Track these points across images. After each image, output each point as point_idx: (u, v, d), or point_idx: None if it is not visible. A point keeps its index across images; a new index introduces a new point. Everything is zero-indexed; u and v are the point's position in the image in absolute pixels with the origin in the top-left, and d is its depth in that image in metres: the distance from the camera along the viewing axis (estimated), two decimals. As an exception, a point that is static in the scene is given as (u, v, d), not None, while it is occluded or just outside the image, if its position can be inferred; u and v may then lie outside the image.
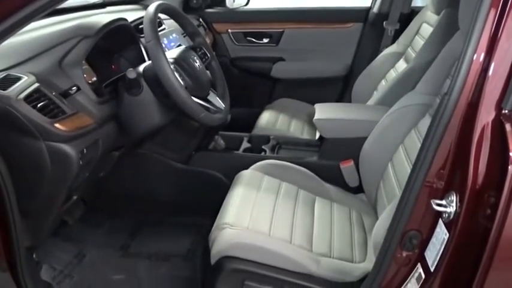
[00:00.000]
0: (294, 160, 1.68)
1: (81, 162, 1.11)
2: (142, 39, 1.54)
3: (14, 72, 1.08)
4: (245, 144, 1.87)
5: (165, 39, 1.71)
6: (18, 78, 1.06)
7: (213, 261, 1.24)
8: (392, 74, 2.08)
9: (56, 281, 1.46)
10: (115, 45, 1.43)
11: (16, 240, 1.12)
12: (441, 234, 0.88)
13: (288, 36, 2.49)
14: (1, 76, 1.05)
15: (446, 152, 0.86)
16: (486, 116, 0.80)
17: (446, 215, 0.85)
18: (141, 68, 1.30)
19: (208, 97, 1.40)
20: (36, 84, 1.06)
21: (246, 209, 1.37)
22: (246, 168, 1.62)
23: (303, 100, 2.39)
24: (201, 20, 2.47)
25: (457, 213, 0.82)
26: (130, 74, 1.20)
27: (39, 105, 1.03)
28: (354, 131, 1.61)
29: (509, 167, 0.72)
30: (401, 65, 2.03)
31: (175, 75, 1.20)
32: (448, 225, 0.85)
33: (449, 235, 0.84)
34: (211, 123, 1.32)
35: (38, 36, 1.23)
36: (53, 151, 1.06)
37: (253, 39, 2.54)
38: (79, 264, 1.58)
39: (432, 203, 0.86)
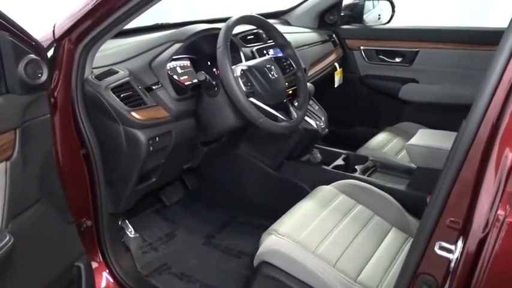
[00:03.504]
0: (378, 184, 1.57)
1: (151, 148, 1.29)
2: (243, 48, 1.67)
3: (115, 67, 1.32)
4: (339, 161, 1.82)
5: (271, 50, 1.81)
6: (116, 72, 1.30)
7: (255, 263, 1.28)
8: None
9: (142, 250, 1.69)
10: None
11: (100, 204, 1.37)
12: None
13: (423, 56, 2.30)
14: (106, 69, 1.31)
15: (460, 188, 0.73)
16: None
17: (452, 260, 0.72)
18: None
19: (281, 106, 1.44)
20: (127, 78, 1.28)
21: (304, 222, 1.36)
22: (330, 184, 1.59)
23: (430, 126, 2.17)
24: (334, 35, 2.49)
25: (457, 260, 0.69)
26: (200, 76, 1.33)
27: (122, 95, 1.24)
28: (448, 163, 1.42)
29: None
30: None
31: (237, 80, 1.28)
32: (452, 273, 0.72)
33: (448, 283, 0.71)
34: (272, 130, 1.35)
35: (141, 40, 1.48)
36: (128, 134, 1.26)
37: (385, 58, 2.43)
38: (167, 242, 1.79)
39: (436, 245, 0.74)
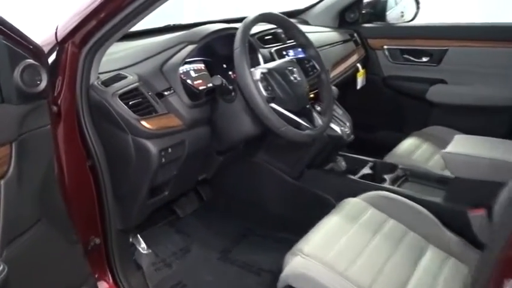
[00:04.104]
0: (411, 196, 1.43)
1: (163, 160, 1.18)
2: (261, 50, 1.55)
3: (123, 72, 1.22)
4: (366, 170, 1.69)
5: (291, 51, 1.68)
6: (124, 77, 1.19)
7: (279, 286, 1.16)
8: None
9: (155, 267, 1.58)
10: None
11: (109, 220, 1.26)
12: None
13: (452, 55, 2.15)
14: (113, 74, 1.20)
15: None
16: None
17: None
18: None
19: (304, 111, 1.31)
20: (136, 84, 1.17)
21: (332, 240, 1.23)
22: (357, 195, 1.45)
23: (461, 130, 2.01)
24: (355, 34, 2.35)
25: None
26: (216, 80, 1.21)
27: (131, 103, 1.13)
28: (491, 173, 1.27)
29: None
30: None
31: (256, 84, 1.16)
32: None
33: None
34: (295, 140, 1.22)
35: (151, 42, 1.37)
36: (137, 145, 1.15)
37: (411, 58, 2.28)
38: (181, 258, 1.68)
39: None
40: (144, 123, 1.13)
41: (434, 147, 1.91)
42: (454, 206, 1.38)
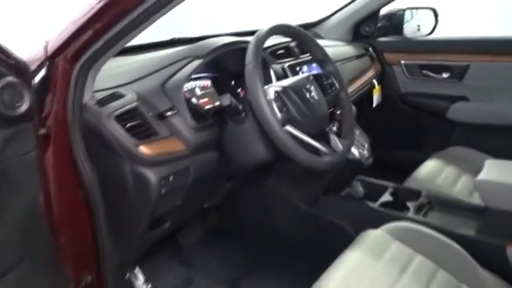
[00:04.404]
0: (440, 228, 1.28)
1: (163, 190, 1.05)
2: (273, 65, 1.42)
3: (121, 90, 1.09)
4: (386, 197, 1.54)
5: (305, 66, 1.56)
6: (122, 96, 1.07)
7: None
8: None
9: (154, 302, 1.44)
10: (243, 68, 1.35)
11: (103, 255, 1.13)
12: None
13: (475, 70, 2.01)
14: (110, 92, 1.08)
15: None
16: None
17: None
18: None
19: (323, 135, 1.17)
20: (135, 103, 1.05)
21: (355, 279, 1.10)
22: (378, 225, 1.31)
23: (486, 152, 1.87)
24: (370, 49, 2.23)
25: None
26: (225, 100, 1.09)
27: (129, 125, 1.01)
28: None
29: None
30: None
31: (270, 105, 1.03)
32: None
33: None
34: (314, 168, 1.08)
35: (154, 57, 1.25)
36: (135, 173, 1.02)
37: (430, 73, 2.14)
38: (183, 291, 1.54)
39: None
40: (142, 148, 1.00)
41: (459, 170, 1.76)
42: (490, 240, 1.24)
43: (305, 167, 1.06)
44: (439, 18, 2.26)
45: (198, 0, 4.17)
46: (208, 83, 1.30)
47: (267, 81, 1.32)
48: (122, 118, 1.00)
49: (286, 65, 1.50)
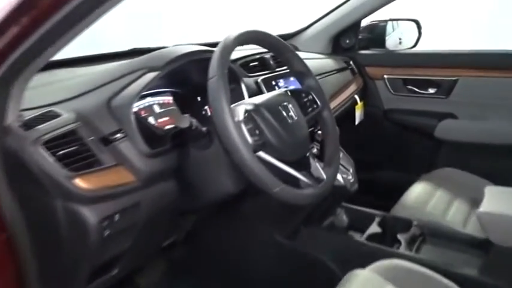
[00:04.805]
0: (436, 266, 1.11)
1: (106, 233, 0.84)
2: (245, 79, 1.24)
3: (58, 109, 0.89)
4: (373, 228, 1.37)
5: (281, 80, 1.39)
6: (57, 116, 0.86)
7: None
8: None
9: None
10: None
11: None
12: None
13: (463, 86, 1.88)
14: (41, 112, 0.88)
15: None
16: None
17: None
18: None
19: (304, 162, 0.99)
20: (72, 125, 0.85)
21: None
22: (366, 263, 1.13)
23: (477, 173, 1.73)
24: (351, 62, 2.08)
25: None
26: (183, 122, 0.89)
27: (61, 152, 0.80)
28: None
29: None
30: None
31: (239, 127, 0.85)
32: None
33: None
34: (294, 202, 0.90)
35: (101, 70, 1.05)
36: (68, 213, 0.81)
37: (415, 89, 2.01)
38: None
39: None
40: (78, 181, 0.80)
41: (450, 195, 1.61)
42: (496, 282, 1.07)
43: (282, 202, 0.87)
44: (422, 30, 2.15)
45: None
46: (169, 99, 1.11)
47: (238, 98, 1.13)
48: (53, 144, 0.80)
49: (260, 78, 1.32)
